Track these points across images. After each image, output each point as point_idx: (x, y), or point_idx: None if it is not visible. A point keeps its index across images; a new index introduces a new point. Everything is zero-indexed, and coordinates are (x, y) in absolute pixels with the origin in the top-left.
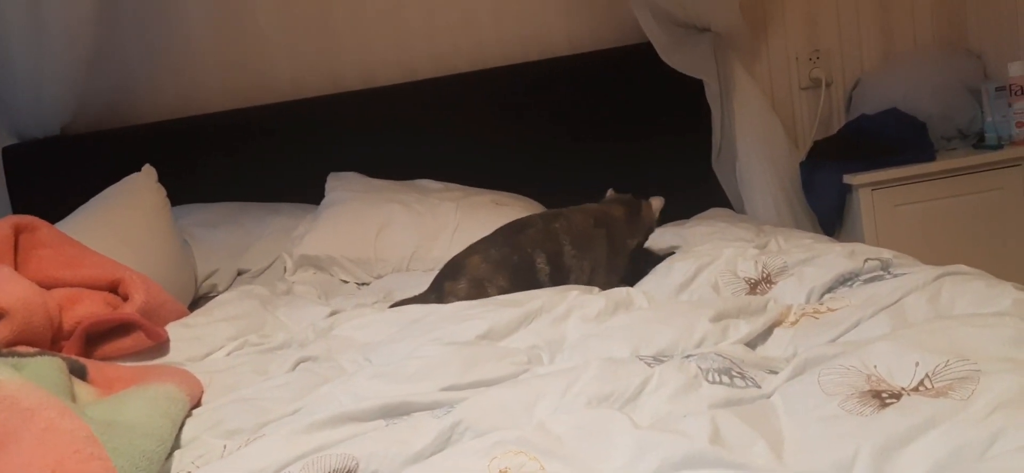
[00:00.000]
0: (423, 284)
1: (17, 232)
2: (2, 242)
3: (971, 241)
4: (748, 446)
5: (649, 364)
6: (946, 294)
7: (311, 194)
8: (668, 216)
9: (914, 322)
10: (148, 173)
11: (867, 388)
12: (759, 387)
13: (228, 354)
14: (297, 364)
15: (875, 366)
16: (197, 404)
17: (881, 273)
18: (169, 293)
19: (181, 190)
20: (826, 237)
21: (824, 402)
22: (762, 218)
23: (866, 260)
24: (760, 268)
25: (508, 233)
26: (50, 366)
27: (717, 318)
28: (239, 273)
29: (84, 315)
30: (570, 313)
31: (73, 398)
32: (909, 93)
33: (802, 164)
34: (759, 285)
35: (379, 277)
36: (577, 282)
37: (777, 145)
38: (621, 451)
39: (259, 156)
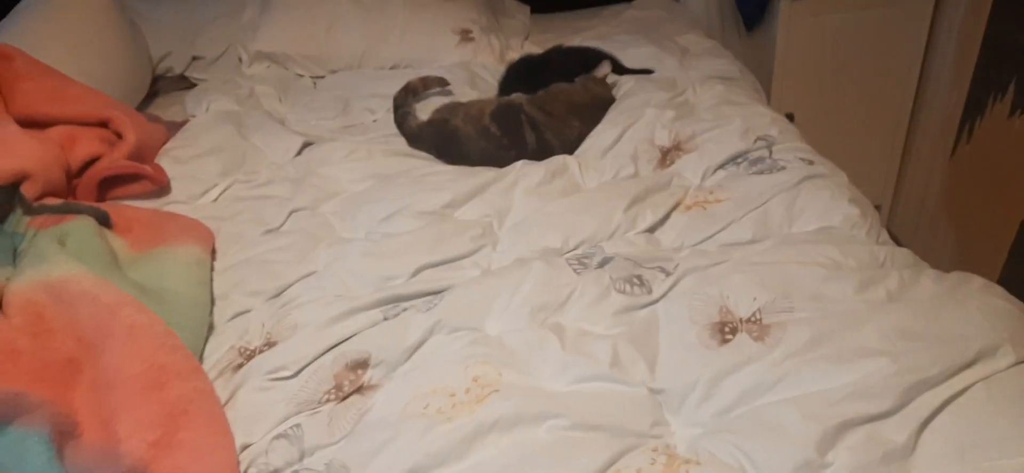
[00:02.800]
0: (375, 83)
1: None
2: None
3: (872, 58)
4: (634, 365)
5: (576, 270)
6: (800, 201)
7: None
8: None
9: (769, 230)
10: None
11: (718, 319)
12: (651, 292)
13: (217, 198)
14: (289, 214)
15: (727, 297)
16: (213, 255)
17: (764, 154)
18: (130, 86)
19: None
20: (738, 71)
21: (688, 328)
22: (693, 12)
23: (756, 139)
24: (673, 136)
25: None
26: (88, 231)
27: (630, 206)
28: (194, 59)
29: (85, 154)
30: (516, 183)
31: (115, 258)
32: None
33: None
34: (669, 153)
35: (333, 72)
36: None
37: None
38: (551, 366)
39: None
